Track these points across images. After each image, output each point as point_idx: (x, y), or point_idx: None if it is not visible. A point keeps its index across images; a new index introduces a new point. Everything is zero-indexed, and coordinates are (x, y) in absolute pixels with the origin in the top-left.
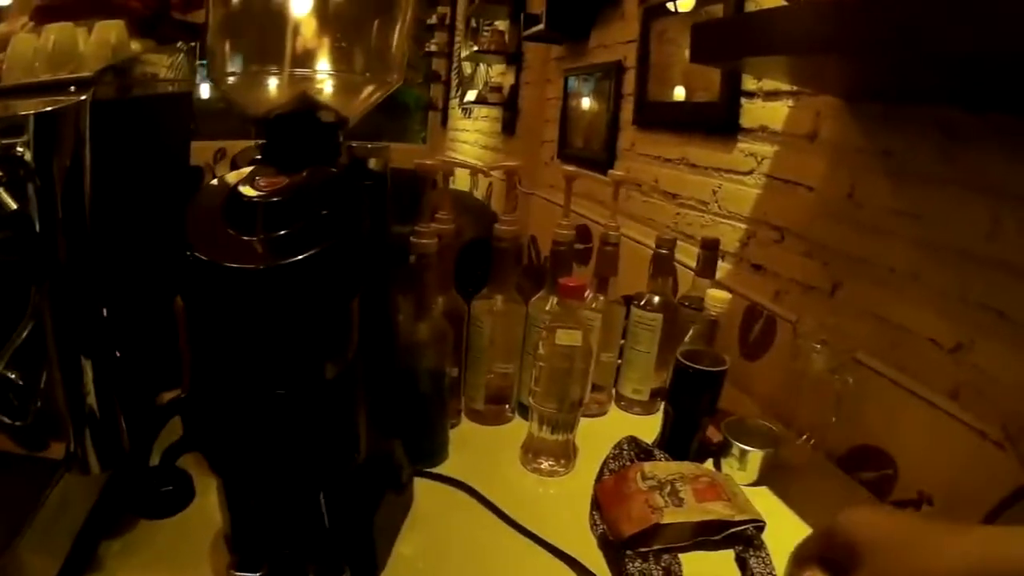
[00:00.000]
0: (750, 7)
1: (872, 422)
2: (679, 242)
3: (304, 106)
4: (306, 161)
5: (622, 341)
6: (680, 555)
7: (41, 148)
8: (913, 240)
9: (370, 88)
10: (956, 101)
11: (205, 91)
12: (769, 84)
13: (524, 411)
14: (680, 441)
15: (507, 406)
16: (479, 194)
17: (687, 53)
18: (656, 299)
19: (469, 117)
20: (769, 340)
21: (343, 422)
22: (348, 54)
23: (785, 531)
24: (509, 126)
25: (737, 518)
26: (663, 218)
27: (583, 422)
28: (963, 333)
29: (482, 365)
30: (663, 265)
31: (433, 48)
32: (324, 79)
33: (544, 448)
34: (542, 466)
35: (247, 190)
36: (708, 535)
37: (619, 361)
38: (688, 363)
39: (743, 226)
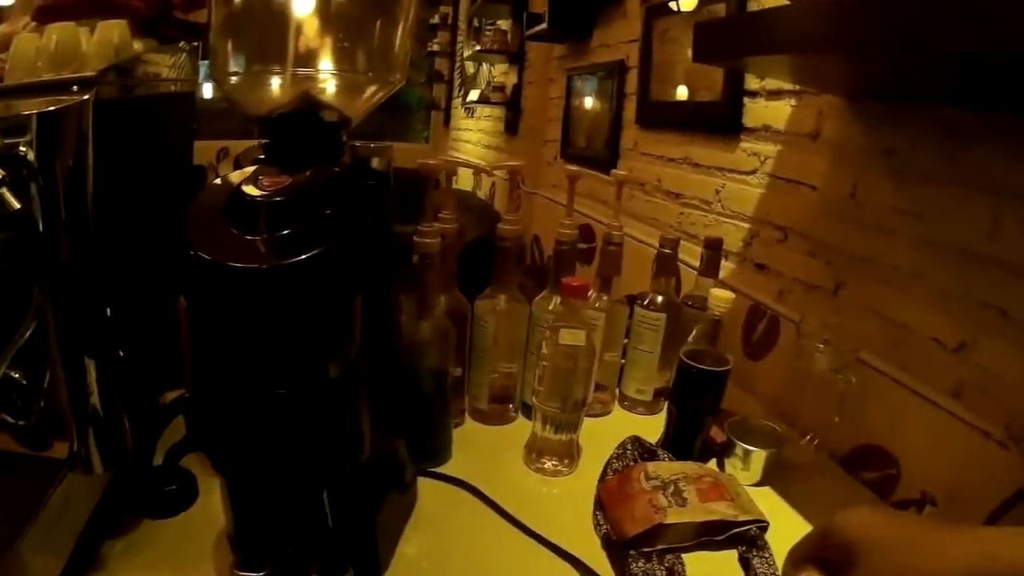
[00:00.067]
0: (752, 6)
1: (875, 422)
2: (682, 242)
3: (307, 106)
4: (309, 161)
5: (625, 341)
6: (683, 555)
7: (44, 148)
8: (915, 239)
9: (373, 88)
10: (957, 100)
11: (208, 91)
12: (772, 83)
13: (528, 411)
14: (683, 441)
15: (511, 406)
16: (482, 194)
17: (689, 52)
18: (659, 299)
19: (472, 117)
20: (772, 340)
21: (346, 421)
22: (351, 54)
23: (789, 531)
24: (512, 126)
25: (740, 518)
26: (666, 218)
27: (587, 422)
28: (966, 332)
29: (486, 365)
30: (666, 265)
31: (436, 48)
32: (327, 79)
33: (548, 448)
34: (546, 466)
35: (250, 190)
36: (711, 535)
37: (622, 361)
38: (692, 363)
39: (746, 225)
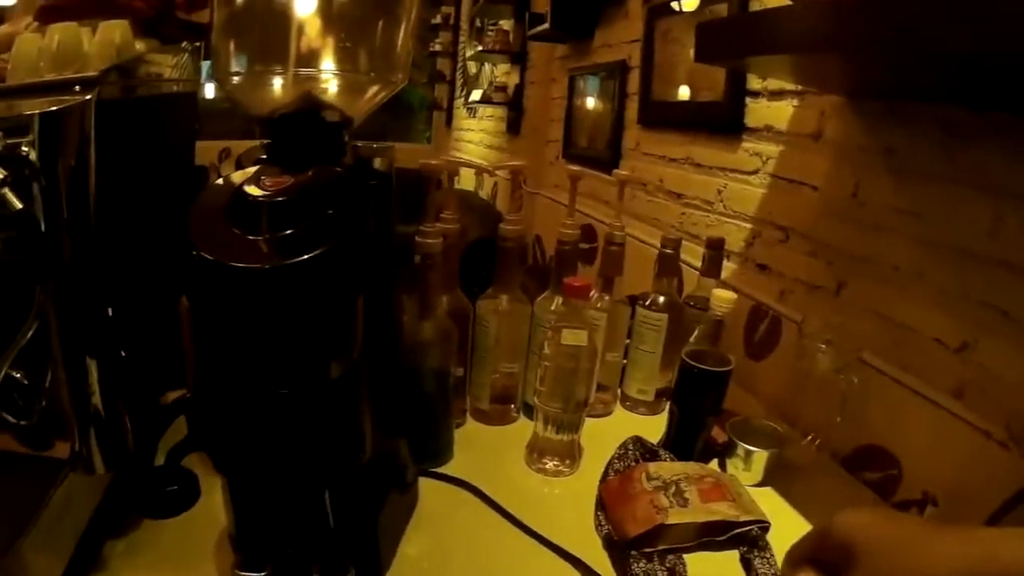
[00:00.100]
0: (754, 6)
1: (877, 422)
2: (684, 242)
3: (309, 106)
4: (311, 161)
5: (627, 341)
6: (685, 556)
7: (46, 148)
8: (916, 239)
9: (375, 88)
10: (956, 100)
11: (210, 91)
12: (774, 83)
13: (529, 411)
14: (685, 441)
15: (512, 406)
16: (484, 194)
17: (691, 52)
18: (661, 299)
19: (474, 117)
20: (774, 340)
21: (348, 421)
22: (352, 54)
23: (790, 532)
24: (514, 126)
25: (742, 519)
26: (668, 218)
27: (588, 422)
28: (968, 332)
29: (487, 365)
30: (668, 265)
31: (438, 48)
32: (328, 79)
33: (549, 448)
34: (547, 466)
35: (252, 190)
36: (713, 536)
37: (624, 361)
38: (693, 363)
39: (748, 226)
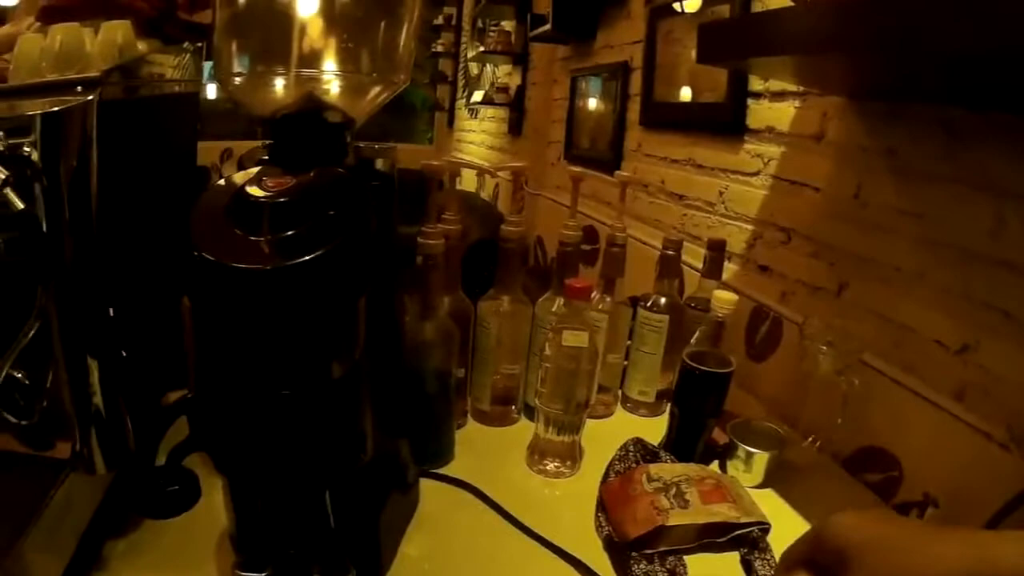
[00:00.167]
0: (756, 7)
1: (878, 424)
2: (685, 243)
3: (310, 106)
4: (313, 162)
5: (628, 342)
6: (685, 557)
7: (48, 148)
8: (918, 239)
9: (377, 88)
10: (958, 100)
11: (212, 91)
12: (776, 85)
13: (530, 412)
14: (686, 443)
15: (513, 407)
16: (485, 195)
17: (693, 54)
18: (662, 300)
19: (475, 118)
20: (775, 341)
21: (349, 422)
22: (355, 54)
23: (791, 533)
24: (515, 127)
25: (742, 520)
26: (670, 219)
27: (589, 423)
28: (969, 334)
29: (488, 366)
30: (670, 266)
31: (439, 49)
32: (331, 79)
33: (550, 449)
34: (548, 467)
35: (254, 190)
36: (713, 537)
37: (625, 362)
38: (694, 365)
39: (750, 227)
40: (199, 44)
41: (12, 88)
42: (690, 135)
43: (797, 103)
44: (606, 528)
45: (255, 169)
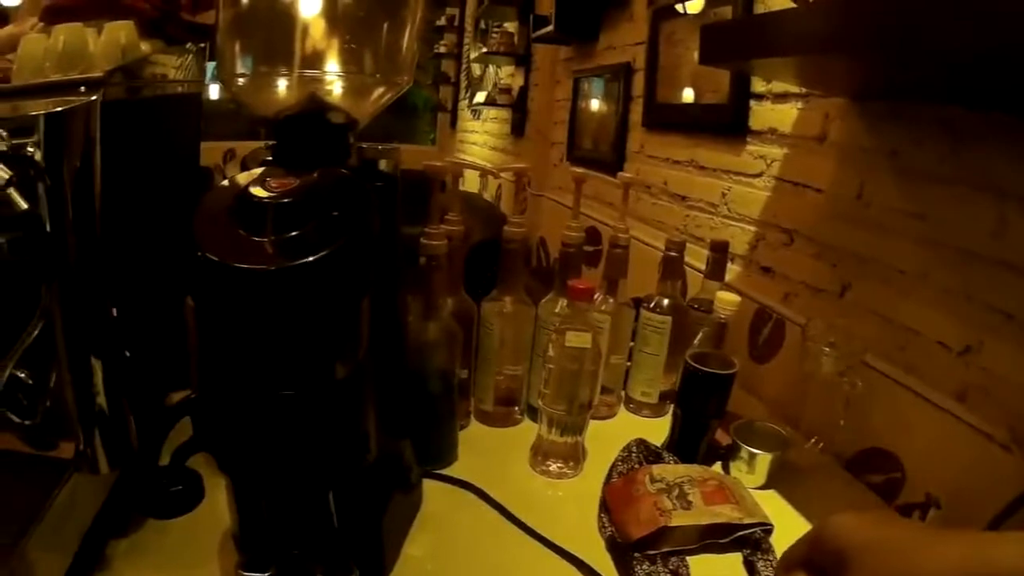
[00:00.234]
0: (759, 8)
1: (880, 425)
2: (688, 244)
3: (314, 107)
4: (316, 162)
5: (631, 343)
6: (688, 558)
7: (51, 148)
8: (921, 240)
9: (380, 89)
10: (960, 101)
11: (215, 92)
12: (778, 86)
13: (533, 413)
14: (689, 444)
15: (516, 408)
16: (488, 196)
17: (696, 55)
18: (665, 301)
19: (478, 119)
20: (778, 343)
21: (352, 422)
22: (358, 55)
23: (793, 534)
24: (518, 128)
25: (745, 521)
26: (672, 220)
27: (592, 424)
28: (971, 335)
29: (491, 367)
30: (672, 267)
31: (442, 50)
32: (334, 80)
33: (553, 450)
34: (551, 468)
35: (257, 191)
36: (716, 538)
37: (628, 363)
38: (697, 366)
39: (752, 228)
40: (202, 45)
41: (15, 88)
42: (693, 136)
43: (799, 104)
44: (609, 529)
45: (258, 170)
